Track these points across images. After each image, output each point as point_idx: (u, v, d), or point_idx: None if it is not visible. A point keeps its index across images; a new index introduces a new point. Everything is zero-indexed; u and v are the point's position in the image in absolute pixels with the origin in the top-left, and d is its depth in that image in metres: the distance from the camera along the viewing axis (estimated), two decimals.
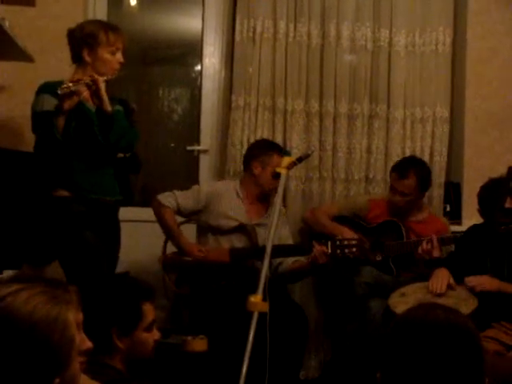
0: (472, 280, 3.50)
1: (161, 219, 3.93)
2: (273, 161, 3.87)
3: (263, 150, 4.00)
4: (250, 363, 2.56)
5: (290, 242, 4.11)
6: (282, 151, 3.78)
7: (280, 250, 3.85)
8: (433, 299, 3.43)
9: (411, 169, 4.07)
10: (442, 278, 3.59)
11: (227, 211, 3.95)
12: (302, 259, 3.93)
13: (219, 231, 3.95)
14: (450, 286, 3.57)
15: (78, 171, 3.30)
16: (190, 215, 4.04)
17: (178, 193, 3.96)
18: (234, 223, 3.94)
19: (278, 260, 3.96)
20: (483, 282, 3.48)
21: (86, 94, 3.24)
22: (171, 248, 4.02)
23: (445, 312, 1.64)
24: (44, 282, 1.50)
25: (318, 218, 4.25)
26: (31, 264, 3.58)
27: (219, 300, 3.75)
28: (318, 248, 3.74)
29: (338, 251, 3.74)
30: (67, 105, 3.11)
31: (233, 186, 4.05)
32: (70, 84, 3.09)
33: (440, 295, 3.53)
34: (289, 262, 3.97)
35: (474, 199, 3.77)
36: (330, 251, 3.73)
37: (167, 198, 3.92)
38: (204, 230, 4.01)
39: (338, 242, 3.76)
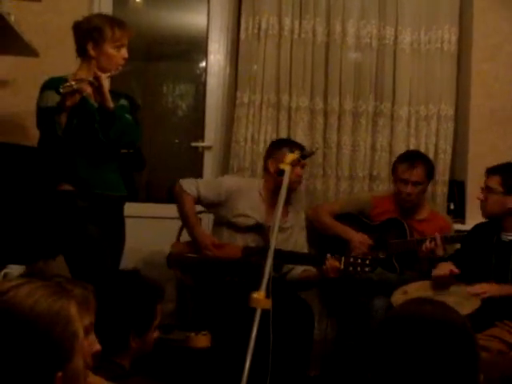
0: (476, 289, 3.49)
1: (180, 205, 3.92)
2: (285, 156, 3.85)
3: (275, 147, 4.00)
4: (255, 360, 2.55)
5: (305, 251, 4.07)
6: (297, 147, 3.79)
7: (292, 257, 3.85)
8: (435, 297, 3.42)
9: (418, 158, 4.13)
10: (444, 267, 3.58)
11: (246, 209, 3.93)
12: (313, 269, 3.91)
13: (235, 228, 3.94)
14: (452, 276, 3.55)
15: (82, 167, 3.31)
16: (209, 206, 4.03)
17: (200, 181, 3.97)
18: (251, 221, 3.93)
19: (288, 267, 3.95)
20: (488, 290, 3.46)
21: (89, 90, 3.25)
22: (185, 236, 4.02)
23: (434, 307, 1.61)
24: (54, 278, 1.51)
25: (321, 217, 4.24)
26: (39, 258, 3.59)
27: (223, 296, 3.75)
28: (330, 262, 3.68)
29: (351, 268, 3.66)
30: (69, 102, 3.11)
31: (257, 185, 4.04)
32: (73, 82, 3.09)
33: (443, 289, 3.52)
34: (298, 270, 3.95)
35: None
36: (342, 267, 3.68)
37: (189, 185, 3.91)
38: (220, 224, 4.00)
39: (351, 259, 3.67)
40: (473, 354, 1.56)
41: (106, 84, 3.26)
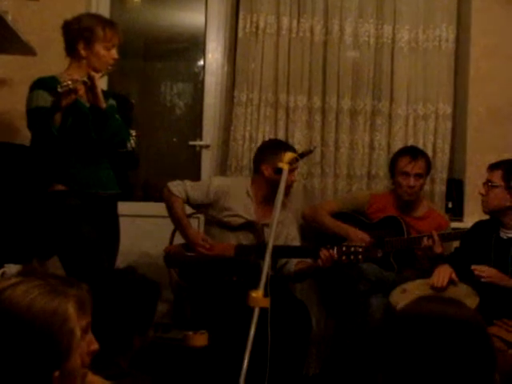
0: (480, 269, 3.49)
1: (169, 208, 3.92)
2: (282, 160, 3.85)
3: (271, 150, 3.96)
4: (252, 359, 2.55)
5: (297, 242, 4.07)
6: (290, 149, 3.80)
7: (286, 251, 3.86)
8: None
9: (418, 151, 4.17)
10: (443, 273, 3.59)
11: (236, 209, 3.93)
12: (307, 260, 3.91)
13: (226, 227, 3.94)
14: (452, 282, 3.57)
15: (75, 166, 3.32)
16: (198, 207, 4.03)
17: (188, 183, 3.95)
18: (241, 220, 3.93)
19: (283, 260, 3.95)
20: (491, 274, 3.47)
21: (82, 90, 3.25)
22: (178, 239, 4.02)
23: (447, 306, 1.59)
24: (50, 277, 1.50)
25: (319, 216, 4.23)
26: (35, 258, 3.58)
27: (221, 295, 3.75)
28: (324, 253, 3.70)
29: (344, 257, 3.69)
30: (65, 102, 3.11)
31: (244, 184, 4.04)
32: (69, 82, 3.10)
33: (441, 290, 3.53)
34: (293, 262, 3.95)
35: (476, 196, 3.77)
36: (336, 256, 3.70)
37: (177, 187, 3.91)
38: (211, 225, 4.00)
39: (344, 248, 3.70)
40: (489, 352, 1.53)
41: (99, 84, 3.27)
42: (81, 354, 1.46)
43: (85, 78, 3.21)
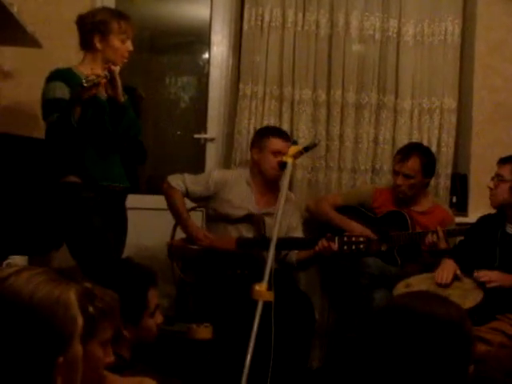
0: (483, 275, 3.48)
1: (170, 201, 3.94)
2: (269, 143, 3.92)
3: (259, 135, 4.05)
4: (256, 352, 2.56)
5: (299, 230, 4.09)
6: (284, 136, 3.93)
7: (287, 243, 3.86)
8: (438, 290, 3.42)
9: (414, 151, 4.11)
10: (448, 269, 3.58)
11: (236, 200, 3.95)
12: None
13: (227, 219, 3.95)
14: (456, 277, 3.57)
15: (90, 158, 3.34)
16: (198, 200, 4.04)
17: (188, 176, 3.97)
18: (242, 212, 3.94)
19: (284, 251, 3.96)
20: (495, 278, 3.46)
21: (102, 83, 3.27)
22: (180, 234, 4.03)
23: (418, 300, 1.63)
24: (86, 284, 1.51)
25: (323, 209, 4.23)
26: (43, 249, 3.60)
27: (225, 288, 3.76)
28: (324, 243, 3.71)
29: (345, 247, 3.71)
30: (87, 95, 3.13)
31: (243, 174, 4.06)
32: (94, 77, 3.11)
33: (446, 286, 3.52)
34: (294, 251, 3.96)
35: (480, 191, 3.77)
36: (337, 246, 3.70)
37: (176, 181, 3.94)
38: (212, 218, 4.01)
39: (345, 239, 3.72)
40: (461, 346, 1.56)
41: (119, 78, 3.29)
42: (98, 364, 1.48)
43: (106, 72, 3.22)
